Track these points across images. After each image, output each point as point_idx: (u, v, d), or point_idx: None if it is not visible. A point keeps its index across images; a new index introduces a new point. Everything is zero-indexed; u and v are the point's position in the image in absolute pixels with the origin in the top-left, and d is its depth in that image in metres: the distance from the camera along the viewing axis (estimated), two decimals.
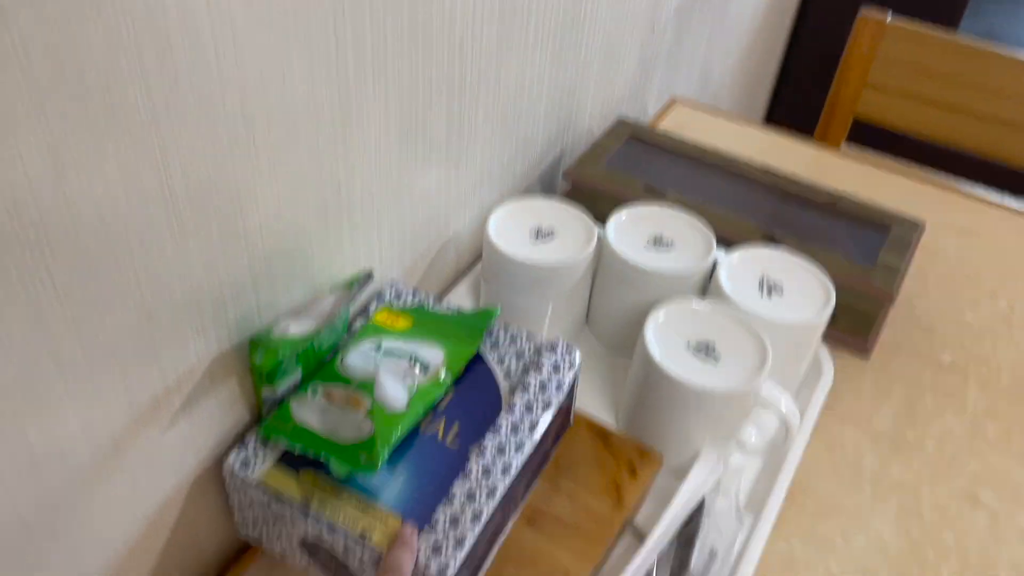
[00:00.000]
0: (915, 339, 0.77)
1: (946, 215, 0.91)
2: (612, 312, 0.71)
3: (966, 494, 0.64)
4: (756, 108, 1.87)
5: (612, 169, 0.81)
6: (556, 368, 0.57)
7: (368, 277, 0.53)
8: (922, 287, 0.82)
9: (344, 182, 0.53)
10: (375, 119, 0.54)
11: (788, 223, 0.77)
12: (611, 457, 0.61)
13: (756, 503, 0.61)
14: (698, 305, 0.63)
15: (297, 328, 0.48)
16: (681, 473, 0.60)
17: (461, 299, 0.74)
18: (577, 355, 0.58)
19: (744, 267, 0.67)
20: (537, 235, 0.68)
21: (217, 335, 0.46)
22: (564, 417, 0.60)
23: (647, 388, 0.61)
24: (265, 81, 0.43)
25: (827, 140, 1.21)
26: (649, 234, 0.70)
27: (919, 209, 0.91)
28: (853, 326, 0.74)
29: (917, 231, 0.76)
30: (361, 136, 0.53)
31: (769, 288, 0.66)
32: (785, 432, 0.60)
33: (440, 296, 0.74)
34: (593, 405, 0.68)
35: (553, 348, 0.58)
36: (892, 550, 0.60)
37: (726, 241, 0.73)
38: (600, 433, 0.62)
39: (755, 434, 0.63)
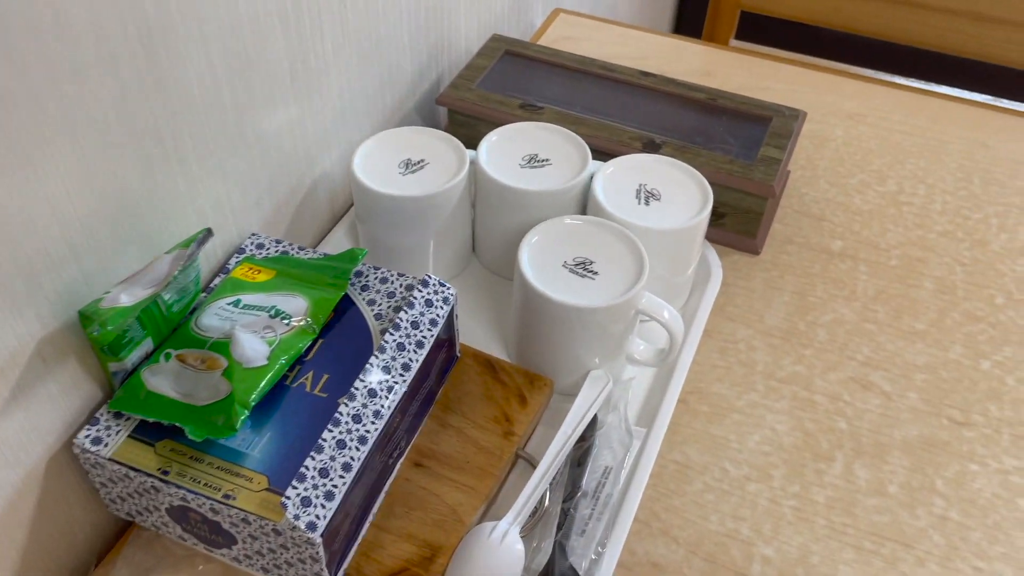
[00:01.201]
0: (805, 230, 0.76)
1: (835, 101, 0.91)
2: (495, 237, 0.69)
3: (858, 379, 0.64)
4: (662, 21, 1.82)
5: (486, 90, 0.78)
6: (429, 304, 0.55)
7: (207, 234, 0.50)
8: (811, 176, 0.82)
9: (167, 131, 0.49)
10: (193, 59, 0.50)
11: (668, 127, 0.75)
12: (500, 387, 0.59)
13: (648, 415, 0.60)
14: (573, 221, 0.61)
15: (128, 297, 0.45)
16: (574, 395, 0.60)
17: (340, 244, 0.71)
18: (451, 289, 0.56)
19: (621, 178, 0.66)
20: (407, 167, 0.66)
21: (38, 313, 0.43)
22: (448, 352, 0.59)
23: (528, 312, 0.59)
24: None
25: (716, 39, 1.18)
26: (523, 153, 0.67)
27: (806, 97, 0.90)
28: (741, 224, 0.73)
29: (798, 121, 0.75)
30: (178, 78, 0.49)
31: (647, 196, 0.64)
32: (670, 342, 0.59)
33: (317, 243, 0.71)
34: (485, 336, 0.66)
35: (425, 284, 0.56)
36: (786, 443, 0.60)
37: (606, 153, 0.71)
38: (488, 364, 0.61)
39: (644, 346, 0.63)
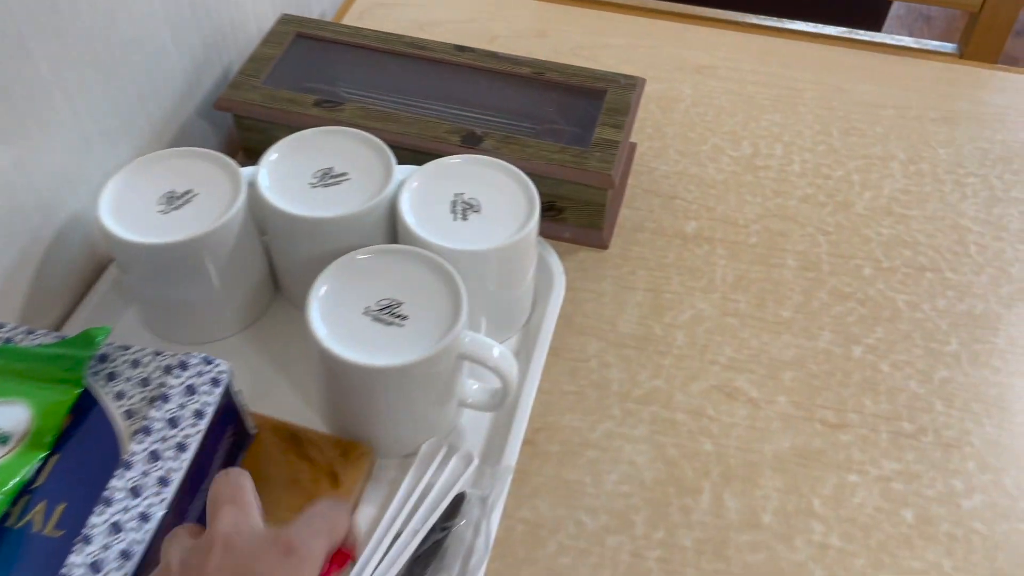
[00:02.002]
0: (657, 212, 0.68)
1: (681, 53, 0.82)
2: (295, 271, 0.58)
3: (722, 387, 0.57)
4: None
5: (274, 86, 0.66)
6: (191, 391, 0.44)
7: None
8: (660, 147, 0.73)
9: None
10: None
11: (490, 113, 0.65)
12: (307, 466, 0.50)
13: (490, 465, 0.52)
14: (371, 256, 0.51)
15: None
16: (411, 453, 0.50)
17: (107, 308, 0.58)
18: (222, 366, 0.45)
19: (432, 189, 0.56)
20: (170, 202, 0.54)
21: None
22: (235, 434, 0.48)
23: (330, 377, 0.49)
24: None
25: None
26: (315, 168, 0.56)
27: (650, 53, 0.81)
28: (583, 218, 0.64)
29: (635, 90, 0.66)
30: None
31: (464, 209, 0.55)
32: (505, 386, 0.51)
33: (72, 311, 0.58)
34: (293, 394, 0.56)
35: (184, 366, 0.45)
36: (648, 479, 0.53)
37: (421, 152, 0.61)
38: (292, 438, 0.51)
39: (477, 387, 0.54)
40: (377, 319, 0.48)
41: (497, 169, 0.56)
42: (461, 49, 0.69)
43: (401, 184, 0.55)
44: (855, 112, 0.77)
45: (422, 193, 0.55)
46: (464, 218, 0.54)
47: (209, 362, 0.45)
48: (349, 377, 0.47)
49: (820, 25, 0.94)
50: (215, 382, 0.45)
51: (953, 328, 0.61)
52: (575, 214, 0.64)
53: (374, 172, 0.56)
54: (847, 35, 0.90)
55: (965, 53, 0.90)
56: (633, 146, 0.72)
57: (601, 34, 0.84)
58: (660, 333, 0.60)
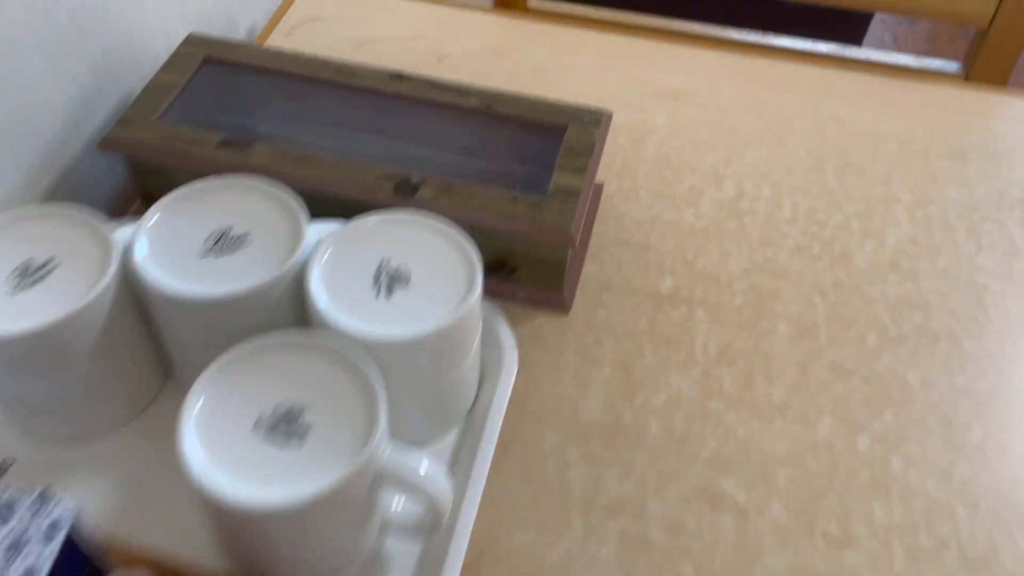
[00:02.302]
0: (626, 266, 0.59)
1: (655, 76, 0.72)
2: (187, 356, 0.48)
3: (705, 491, 0.48)
4: None
5: (173, 123, 0.55)
6: (14, 549, 0.34)
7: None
8: (630, 187, 0.64)
9: None
10: None
11: (430, 154, 0.55)
12: None
13: None
14: (267, 347, 0.41)
15: None
16: None
17: None
18: (65, 504, 0.35)
19: (351, 256, 0.45)
20: (23, 277, 0.43)
21: None
22: None
23: (212, 517, 0.39)
24: None
25: (513, 2, 0.97)
26: (209, 229, 0.46)
27: (620, 75, 0.71)
28: (540, 278, 0.55)
29: (600, 128, 0.56)
30: None
31: (390, 281, 0.45)
32: (435, 511, 0.41)
33: None
34: (185, 508, 0.45)
35: (10, 509, 0.35)
36: None
37: (348, 204, 0.50)
38: None
39: (402, 509, 0.44)
40: (271, 435, 0.38)
41: (431, 230, 0.46)
42: (398, 77, 0.59)
43: (313, 249, 0.45)
44: (852, 145, 0.67)
45: (338, 261, 0.45)
46: (389, 292, 0.44)
47: (46, 500, 0.35)
48: (233, 518, 0.37)
49: (808, 42, 0.84)
50: (54, 527, 0.35)
51: (975, 412, 0.52)
52: (530, 273, 0.54)
53: (281, 234, 0.46)
54: (839, 53, 0.81)
55: (971, 73, 0.81)
56: (599, 188, 0.63)
57: (565, 53, 0.74)
58: (630, 421, 0.51)
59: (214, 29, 0.70)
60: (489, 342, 0.51)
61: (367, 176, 0.52)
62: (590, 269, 0.58)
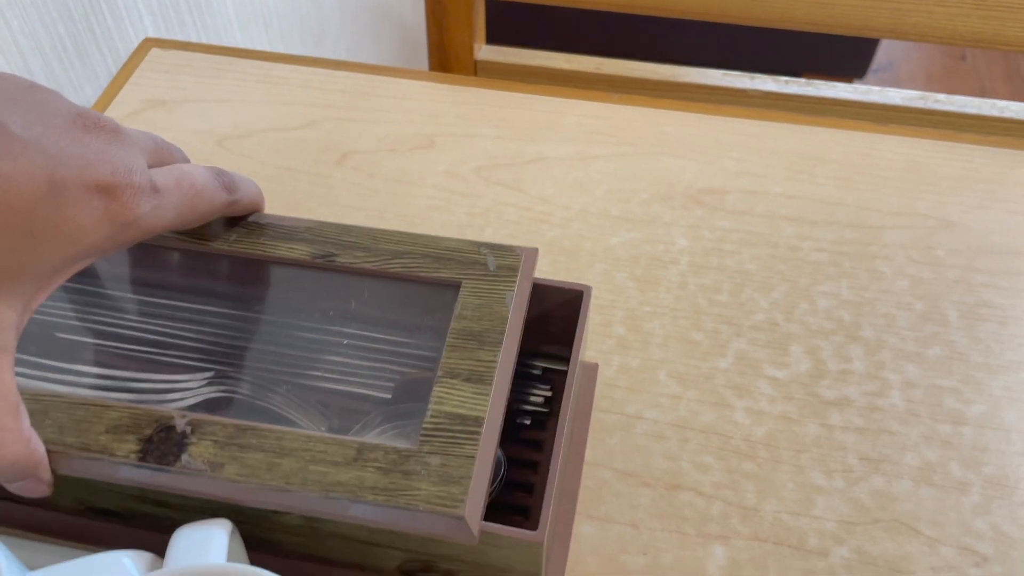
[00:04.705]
0: (648, 520, 0.35)
1: (663, 164, 0.49)
2: None
3: None
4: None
5: None
6: None
7: None
8: (643, 368, 0.40)
9: None
10: None
11: (254, 375, 0.32)
12: None
13: None
14: None
15: None
16: None
17: None
18: None
19: None
20: None
21: None
22: None
23: None
24: None
25: (453, 53, 0.71)
26: None
27: (610, 164, 0.47)
28: None
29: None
30: None
31: None
32: None
33: None
34: None
35: None
36: None
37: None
38: None
39: None
40: None
41: None
42: (243, 242, 0.35)
43: None
44: (986, 280, 0.44)
45: None
46: None
47: None
48: None
49: (850, 86, 0.61)
50: None
51: None
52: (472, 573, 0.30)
53: None
54: (921, 103, 0.57)
55: None
56: (592, 370, 0.39)
57: (520, 134, 0.50)
58: None
59: None
60: None
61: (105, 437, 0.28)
62: (586, 531, 0.35)
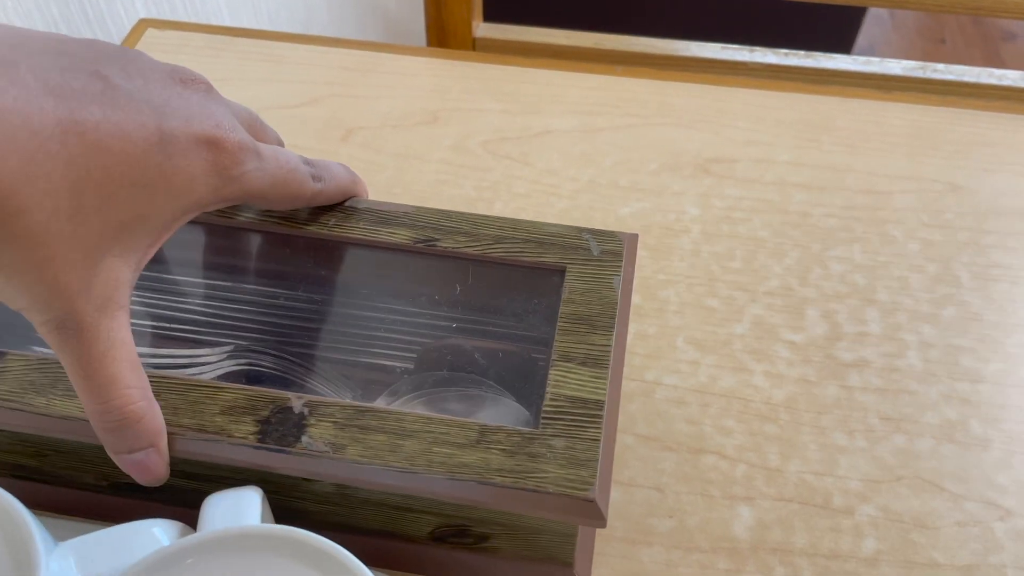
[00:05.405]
0: (674, 485, 0.35)
1: (673, 135, 0.49)
2: None
3: None
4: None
5: None
6: None
7: None
8: (660, 335, 0.40)
9: None
10: None
11: (315, 346, 0.31)
12: None
13: None
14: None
15: None
16: None
17: None
18: None
19: None
20: None
21: None
22: None
23: None
24: None
25: (452, 30, 0.71)
26: None
27: (626, 134, 0.47)
28: (533, 549, 0.31)
29: (619, 277, 0.32)
30: None
31: None
32: None
33: None
34: None
35: None
36: None
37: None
38: None
39: None
40: None
41: (289, 556, 0.22)
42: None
43: None
44: (995, 242, 0.44)
45: None
46: None
47: None
48: None
49: (849, 57, 0.62)
50: None
51: None
52: (512, 544, 0.30)
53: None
54: (920, 72, 0.58)
55: None
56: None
57: (525, 107, 0.50)
58: None
59: None
60: None
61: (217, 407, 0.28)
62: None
